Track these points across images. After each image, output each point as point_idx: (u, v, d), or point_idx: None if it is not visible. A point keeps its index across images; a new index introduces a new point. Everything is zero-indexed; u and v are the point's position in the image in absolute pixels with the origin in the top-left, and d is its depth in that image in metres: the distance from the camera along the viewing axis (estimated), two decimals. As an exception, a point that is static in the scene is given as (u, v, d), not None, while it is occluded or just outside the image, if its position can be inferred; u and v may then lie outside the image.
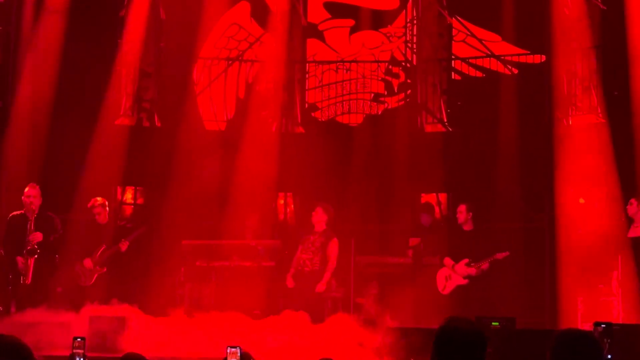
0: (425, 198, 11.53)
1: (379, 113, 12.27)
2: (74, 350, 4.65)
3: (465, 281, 9.32)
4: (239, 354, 4.15)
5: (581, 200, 10.30)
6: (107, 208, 9.87)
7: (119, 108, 11.63)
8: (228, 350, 4.17)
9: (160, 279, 10.26)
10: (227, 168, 11.16)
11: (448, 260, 9.48)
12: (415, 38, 12.14)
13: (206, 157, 11.09)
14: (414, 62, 12.17)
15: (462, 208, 9.57)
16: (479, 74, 11.85)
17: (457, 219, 9.60)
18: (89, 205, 9.66)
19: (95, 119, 10.85)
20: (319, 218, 9.41)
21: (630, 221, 9.08)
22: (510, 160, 10.70)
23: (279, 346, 7.81)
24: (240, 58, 12.36)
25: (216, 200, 10.99)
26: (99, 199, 9.69)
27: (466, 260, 9.34)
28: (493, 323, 7.47)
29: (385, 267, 10.32)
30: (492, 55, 11.70)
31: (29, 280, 8.97)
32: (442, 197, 11.65)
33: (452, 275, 9.42)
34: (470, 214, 9.52)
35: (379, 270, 10.32)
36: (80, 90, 10.94)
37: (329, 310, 9.35)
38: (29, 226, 9.05)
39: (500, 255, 9.18)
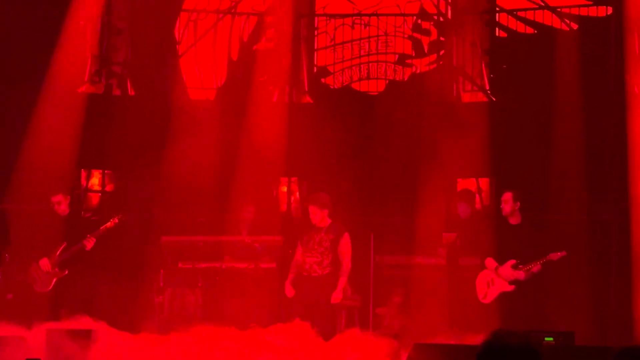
0: (463, 184, 11.49)
1: (405, 79, 12.22)
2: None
3: (511, 287, 9.28)
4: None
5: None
6: (69, 197, 9.87)
7: (83, 73, 11.59)
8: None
9: (134, 285, 10.26)
10: (217, 147, 11.12)
11: (490, 262, 9.44)
12: (450, -15, 12.12)
13: (191, 134, 11.00)
14: (449, 16, 12.11)
15: (507, 196, 9.52)
16: (529, 30, 11.77)
17: (502, 210, 9.54)
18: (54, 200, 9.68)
19: (52, 86, 10.78)
20: (319, 216, 9.34)
21: None
22: (569, 137, 10.61)
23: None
24: (233, 10, 12.29)
25: (203, 187, 10.95)
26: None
27: (513, 262, 9.29)
28: (546, 338, 7.51)
29: (412, 269, 10.29)
30: (546, 7, 11.60)
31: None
32: (484, 183, 11.61)
33: (496, 280, 9.39)
34: (518, 203, 9.47)
35: (405, 273, 10.30)
36: (32, 52, 10.89)
37: (342, 323, 9.34)
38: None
39: (555, 256, 9.13)
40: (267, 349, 8.14)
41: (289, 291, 9.33)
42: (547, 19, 11.69)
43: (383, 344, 8.00)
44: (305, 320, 8.63)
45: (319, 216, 9.31)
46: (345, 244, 9.29)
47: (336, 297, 9.17)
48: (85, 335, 8.08)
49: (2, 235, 9.18)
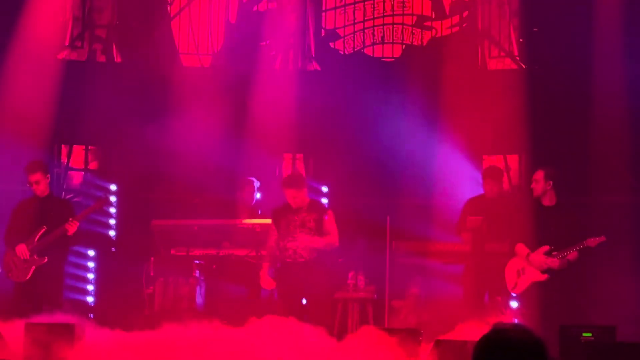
0: (489, 161, 11.45)
1: (424, 43, 12.21)
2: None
3: (544, 276, 9.22)
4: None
5: None
6: (49, 176, 9.83)
7: (63, 37, 11.61)
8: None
9: (121, 274, 10.29)
10: (213, 120, 11.09)
11: (521, 248, 9.41)
12: (474, -64, 12.00)
13: (184, 105, 11.01)
14: (473, -28, 12.03)
15: (539, 175, 9.48)
16: (564, -13, 11.72)
17: (533, 191, 9.50)
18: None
19: (28, 52, 10.78)
20: (299, 198, 9.26)
21: None
22: (611, 108, 10.56)
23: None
24: (231, -33, 12.28)
25: (198, 165, 10.94)
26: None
27: (546, 248, 9.24)
28: (584, 334, 7.57)
29: (433, 256, 10.24)
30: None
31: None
32: (513, 159, 11.59)
33: (527, 269, 9.35)
34: (551, 183, 9.42)
35: (424, 262, 10.25)
36: (2, 12, 10.86)
37: (355, 318, 9.31)
38: None
39: (593, 242, 9.06)
40: (269, 345, 8.10)
41: (268, 283, 9.29)
42: (585, -27, 11.64)
43: (400, 341, 7.95)
44: (309, 317, 8.63)
45: (300, 197, 9.28)
46: (330, 222, 9.26)
47: (316, 242, 9.09)
48: (67, 330, 8.02)
49: None
